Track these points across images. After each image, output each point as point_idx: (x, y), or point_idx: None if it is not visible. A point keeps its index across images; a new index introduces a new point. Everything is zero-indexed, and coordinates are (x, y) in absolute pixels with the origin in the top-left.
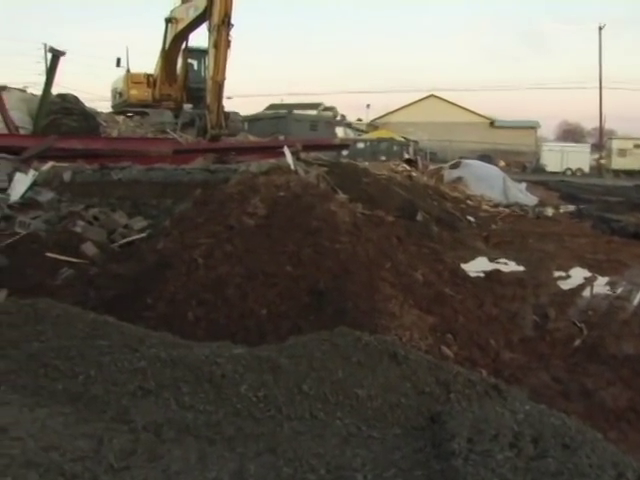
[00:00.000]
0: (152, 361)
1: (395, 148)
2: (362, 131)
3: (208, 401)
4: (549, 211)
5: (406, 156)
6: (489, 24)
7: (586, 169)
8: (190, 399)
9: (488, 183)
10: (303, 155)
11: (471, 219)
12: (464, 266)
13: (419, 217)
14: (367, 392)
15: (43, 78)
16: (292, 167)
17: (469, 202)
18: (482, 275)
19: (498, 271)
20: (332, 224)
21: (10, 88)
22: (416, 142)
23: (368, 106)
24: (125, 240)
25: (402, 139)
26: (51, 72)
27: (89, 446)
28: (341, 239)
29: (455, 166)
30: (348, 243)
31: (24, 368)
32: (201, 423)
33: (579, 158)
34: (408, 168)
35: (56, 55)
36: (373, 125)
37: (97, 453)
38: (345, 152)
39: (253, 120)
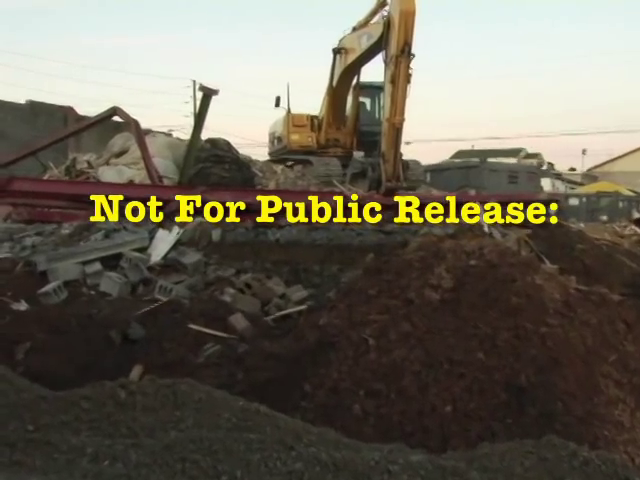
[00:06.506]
0: (310, 463)
1: (621, 205)
2: (576, 183)
3: None
4: None
5: (636, 215)
6: None
7: None
8: None
9: None
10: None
11: None
12: None
13: None
14: None
15: (191, 120)
16: (486, 229)
17: None
18: None
19: None
20: (537, 301)
21: (154, 132)
22: None
23: (584, 152)
24: (281, 313)
25: (630, 193)
26: (201, 114)
27: None
28: (549, 321)
29: None
30: (558, 327)
31: (159, 461)
32: None
33: None
34: (639, 231)
35: (207, 94)
36: (591, 176)
37: None
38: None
39: (437, 170)
